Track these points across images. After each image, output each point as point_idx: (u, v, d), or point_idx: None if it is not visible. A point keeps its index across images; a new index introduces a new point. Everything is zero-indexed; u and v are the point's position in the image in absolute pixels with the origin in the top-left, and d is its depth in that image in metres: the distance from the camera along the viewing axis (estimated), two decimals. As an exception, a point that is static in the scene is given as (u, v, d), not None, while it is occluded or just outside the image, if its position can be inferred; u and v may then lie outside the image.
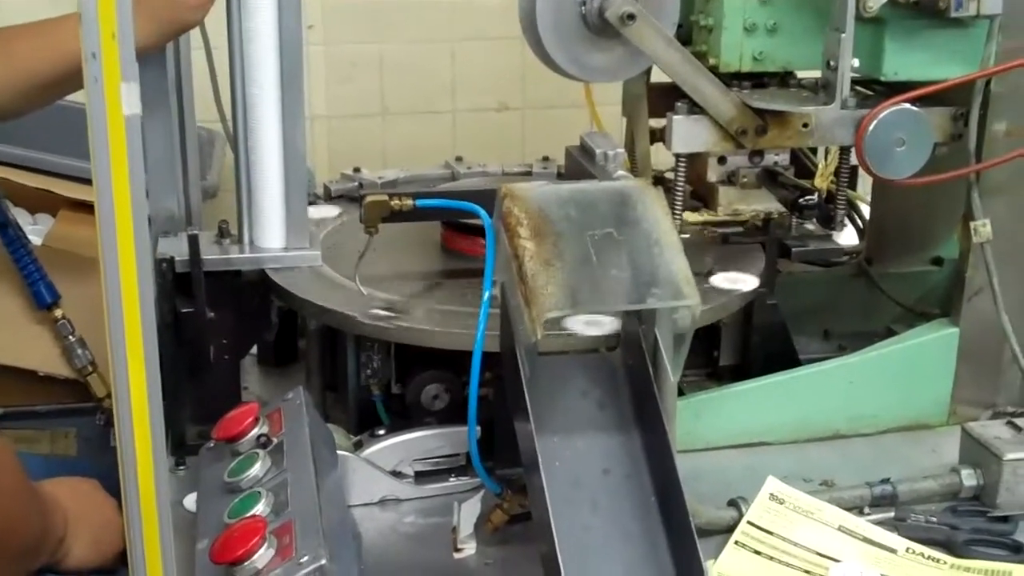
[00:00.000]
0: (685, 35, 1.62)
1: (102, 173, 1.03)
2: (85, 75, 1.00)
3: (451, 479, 1.42)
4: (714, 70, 1.57)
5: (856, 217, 1.91)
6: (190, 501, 1.35)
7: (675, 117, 1.52)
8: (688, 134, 1.53)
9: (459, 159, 2.06)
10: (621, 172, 1.48)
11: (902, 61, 1.48)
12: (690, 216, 1.65)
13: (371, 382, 1.50)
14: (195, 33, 1.60)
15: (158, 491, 1.06)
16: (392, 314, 1.44)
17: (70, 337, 1.82)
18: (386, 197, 1.47)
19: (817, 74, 1.53)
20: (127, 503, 1.06)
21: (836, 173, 1.68)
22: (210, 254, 1.52)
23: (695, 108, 1.52)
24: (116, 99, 1.01)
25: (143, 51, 1.47)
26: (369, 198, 1.48)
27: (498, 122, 2.63)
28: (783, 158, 1.61)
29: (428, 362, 1.47)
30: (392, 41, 2.54)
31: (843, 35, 1.42)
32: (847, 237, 1.83)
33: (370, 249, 1.50)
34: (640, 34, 1.47)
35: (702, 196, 1.67)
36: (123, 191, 1.03)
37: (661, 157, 1.70)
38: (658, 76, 1.60)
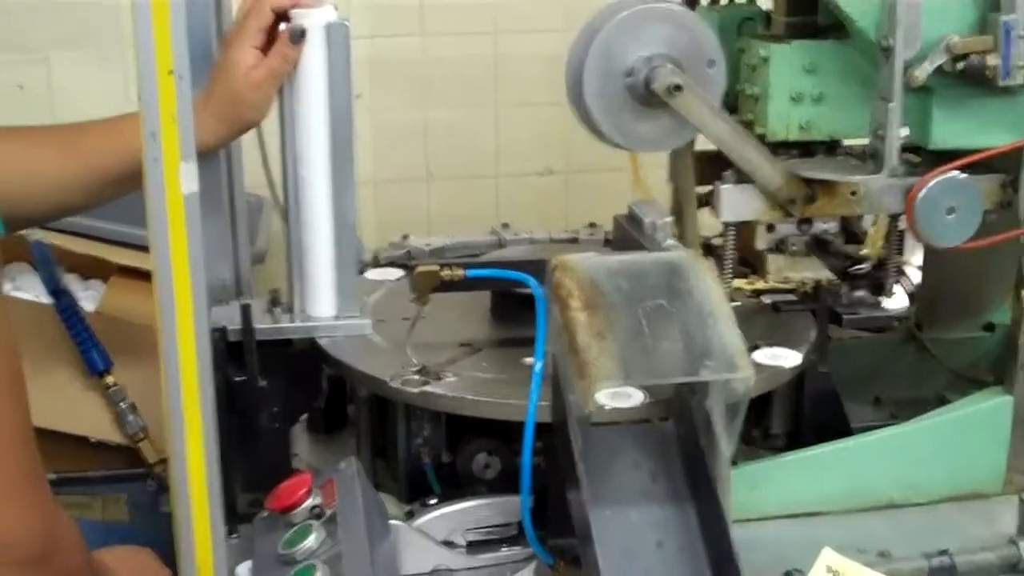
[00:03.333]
0: (730, 104, 1.62)
1: (161, 250, 1.05)
2: (144, 155, 1.02)
3: (503, 549, 1.41)
4: (761, 139, 1.57)
5: (905, 281, 1.90)
6: (243, 570, 1.35)
7: (723, 186, 1.53)
8: (736, 203, 1.53)
9: (505, 225, 2.07)
10: (670, 242, 1.48)
11: (950, 130, 1.48)
12: (739, 283, 1.65)
13: (422, 451, 1.49)
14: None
15: (215, 561, 1.07)
16: (440, 383, 1.44)
17: (122, 404, 1.84)
18: (437, 267, 1.48)
19: (864, 141, 1.53)
20: (183, 573, 1.07)
21: (886, 238, 1.67)
22: (262, 323, 1.53)
23: (743, 177, 1.52)
24: (175, 178, 1.03)
25: (208, 150, 1.52)
26: (420, 269, 1.49)
27: (541, 186, 2.64)
28: (832, 226, 1.60)
29: (479, 431, 1.47)
30: (436, 107, 2.57)
31: (891, 104, 1.42)
32: (896, 301, 1.82)
33: (420, 316, 1.51)
34: (687, 105, 1.48)
35: (751, 263, 1.67)
36: (182, 267, 1.05)
37: (708, 221, 1.70)
38: (704, 143, 1.61)
